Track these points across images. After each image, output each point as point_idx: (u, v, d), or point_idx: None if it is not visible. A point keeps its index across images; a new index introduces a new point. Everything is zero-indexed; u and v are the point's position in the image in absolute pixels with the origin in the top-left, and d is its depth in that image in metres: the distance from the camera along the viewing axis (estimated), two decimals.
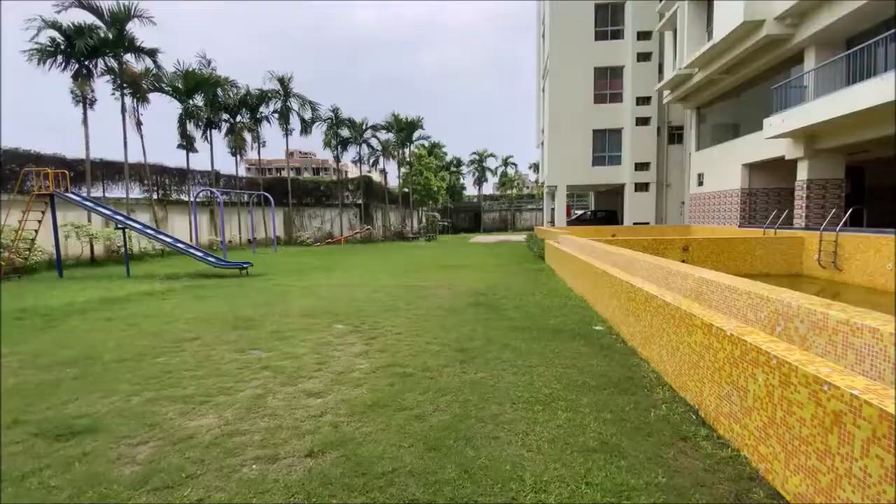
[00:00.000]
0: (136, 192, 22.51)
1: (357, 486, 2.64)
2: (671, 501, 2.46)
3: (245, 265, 13.08)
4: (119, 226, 13.23)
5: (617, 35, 25.91)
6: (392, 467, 2.84)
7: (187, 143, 24.45)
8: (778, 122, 13.59)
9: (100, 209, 13.80)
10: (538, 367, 4.66)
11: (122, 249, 17.94)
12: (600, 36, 26.08)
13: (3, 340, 6.27)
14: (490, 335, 5.98)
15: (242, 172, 31.71)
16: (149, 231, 14.04)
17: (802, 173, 14.10)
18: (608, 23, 26.07)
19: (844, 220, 12.17)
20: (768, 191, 17.36)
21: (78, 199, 13.97)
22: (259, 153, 31.57)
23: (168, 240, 14.10)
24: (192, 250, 13.88)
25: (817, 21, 13.20)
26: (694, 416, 3.47)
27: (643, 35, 25.07)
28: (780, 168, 15.89)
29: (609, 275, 6.36)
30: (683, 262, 11.69)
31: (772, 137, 14.05)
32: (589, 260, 8.57)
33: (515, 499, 2.51)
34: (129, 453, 3.12)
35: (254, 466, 2.90)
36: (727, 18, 15.16)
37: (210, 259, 13.28)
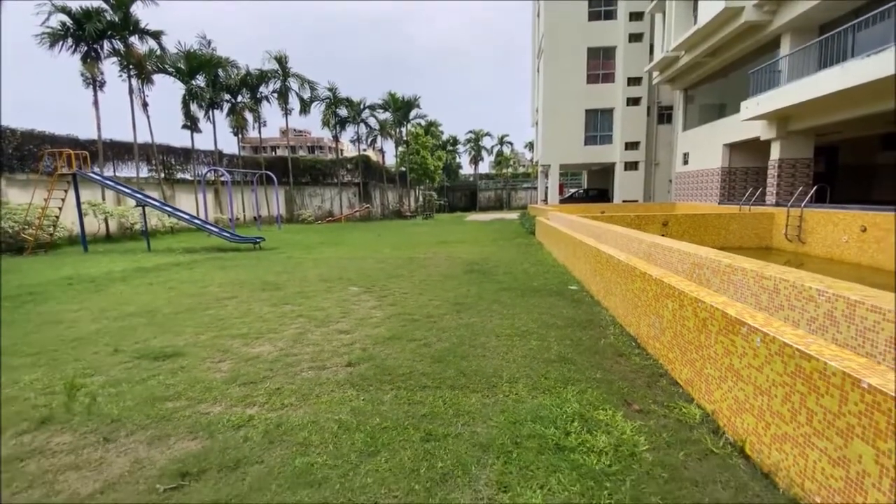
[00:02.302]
0: (142, 172, 23.32)
1: (386, 380, 3.79)
2: (601, 388, 3.60)
3: (258, 240, 14.12)
4: (139, 203, 14.16)
5: (610, 15, 26.46)
6: (409, 370, 3.98)
7: (192, 124, 25.11)
8: (753, 105, 14.55)
9: (121, 188, 14.72)
10: (519, 315, 5.80)
11: (135, 226, 18.96)
12: (594, 16, 26.62)
13: (65, 300, 7.34)
14: (482, 294, 7.11)
15: (237, 151, 32.26)
16: (167, 208, 15.00)
17: (775, 153, 15.12)
18: (602, 2, 26.57)
19: (809, 196, 13.28)
20: (746, 169, 18.40)
21: (99, 178, 14.88)
22: (260, 132, 32.19)
23: (186, 216, 15.07)
24: (208, 226, 14.88)
25: (793, 8, 14.02)
26: (633, 343, 4.62)
27: (635, 16, 25.65)
28: (757, 148, 16.87)
29: (583, 243, 7.47)
30: (663, 236, 12.82)
31: (748, 119, 15.02)
32: (569, 232, 9.68)
33: (496, 386, 3.66)
34: (214, 367, 4.25)
35: (309, 372, 4.04)
36: (710, 4, 15.92)
37: (225, 234, 14.31)
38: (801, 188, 14.32)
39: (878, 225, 10.58)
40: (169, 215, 15.79)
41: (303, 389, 3.67)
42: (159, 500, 2.38)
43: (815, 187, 13.58)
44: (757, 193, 16.18)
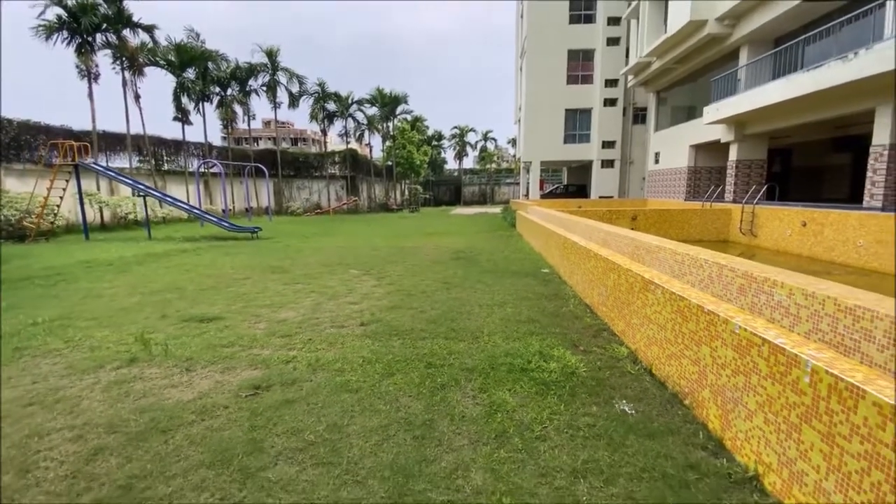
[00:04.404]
0: (133, 163, 23.71)
1: (393, 334, 4.88)
2: (558, 338, 4.75)
3: (256, 230, 14.96)
4: (140, 193, 14.83)
5: (590, 19, 27.68)
6: (411, 328, 5.07)
7: (183, 116, 25.54)
8: (714, 111, 15.95)
9: (123, 179, 15.34)
10: (498, 291, 6.93)
11: (129, 216, 19.53)
12: (574, 19, 27.81)
13: (93, 280, 8.18)
14: (467, 275, 8.22)
15: (219, 142, 32.66)
16: (168, 198, 15.68)
17: (733, 154, 16.58)
18: (582, 7, 27.78)
19: (761, 194, 14.74)
20: (710, 169, 19.91)
21: (102, 169, 15.46)
22: (249, 125, 32.62)
23: (186, 206, 15.78)
24: (208, 216, 15.63)
25: (750, 22, 15.41)
26: (588, 309, 5.79)
27: (613, 20, 26.93)
28: (719, 149, 18.34)
29: (554, 233, 8.64)
30: (632, 229, 14.11)
31: (709, 123, 16.42)
32: (543, 223, 10.86)
33: (479, 337, 4.78)
34: (252, 326, 5.27)
35: (331, 329, 5.10)
36: (678, 16, 17.25)
37: (224, 224, 15.10)
38: (754, 187, 15.79)
39: (815, 220, 12.01)
40: (168, 204, 16.45)
41: (329, 339, 4.73)
42: (245, 400, 3.42)
43: (766, 186, 15.05)
44: (718, 191, 17.66)
